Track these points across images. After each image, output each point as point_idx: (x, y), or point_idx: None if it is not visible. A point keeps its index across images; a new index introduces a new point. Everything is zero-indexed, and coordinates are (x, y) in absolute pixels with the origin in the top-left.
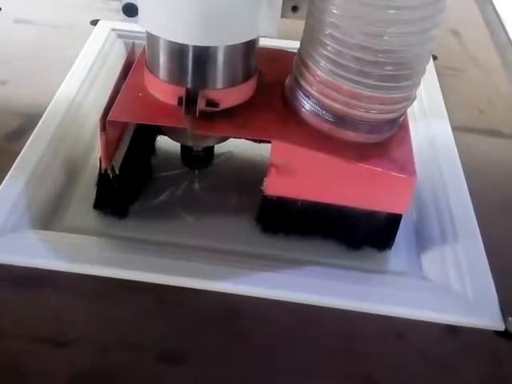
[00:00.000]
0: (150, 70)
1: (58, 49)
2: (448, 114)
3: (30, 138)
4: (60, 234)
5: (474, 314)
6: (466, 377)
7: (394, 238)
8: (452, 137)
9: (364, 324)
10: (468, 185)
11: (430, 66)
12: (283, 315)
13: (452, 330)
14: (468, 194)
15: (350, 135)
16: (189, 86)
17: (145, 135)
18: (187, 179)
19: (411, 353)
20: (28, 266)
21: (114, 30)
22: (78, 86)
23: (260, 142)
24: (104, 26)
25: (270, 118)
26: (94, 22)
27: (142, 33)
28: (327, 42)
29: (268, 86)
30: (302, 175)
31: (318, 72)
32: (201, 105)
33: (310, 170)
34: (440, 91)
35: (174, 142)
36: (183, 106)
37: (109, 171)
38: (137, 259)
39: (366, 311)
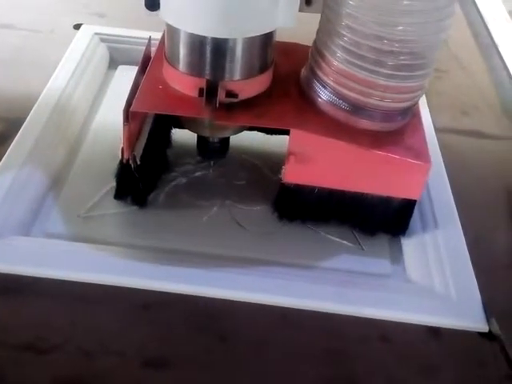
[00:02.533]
0: (170, 62)
1: (41, 53)
2: (431, 115)
3: (12, 143)
4: (42, 240)
5: (458, 315)
6: (449, 378)
7: (408, 224)
8: (435, 138)
9: (347, 326)
10: (451, 186)
11: None
12: (266, 318)
13: (436, 332)
14: (451, 194)
15: (365, 124)
16: (208, 77)
17: (162, 128)
18: (169, 183)
19: (395, 355)
20: (9, 272)
21: (96, 33)
22: (61, 90)
23: (272, 133)
24: (87, 30)
25: (287, 108)
26: (77, 26)
27: (125, 36)
28: (343, 33)
29: (284, 78)
30: (319, 163)
31: (335, 62)
32: (221, 96)
33: (327, 157)
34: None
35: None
36: (204, 97)
37: (130, 161)
38: (119, 264)
39: (350, 314)
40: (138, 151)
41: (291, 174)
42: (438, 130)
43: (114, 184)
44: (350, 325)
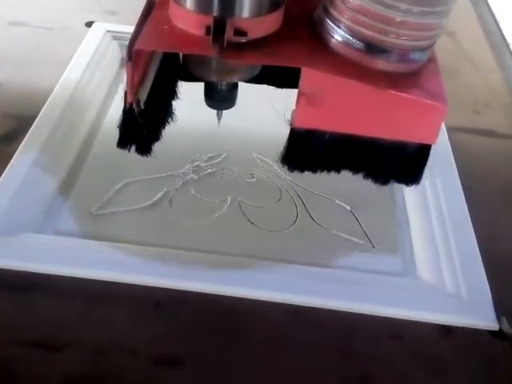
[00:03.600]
0: (176, 1)
1: (53, 50)
2: None
3: (23, 140)
4: (54, 237)
5: (469, 314)
6: (460, 377)
7: (423, 172)
8: (447, 137)
9: (359, 325)
10: (462, 185)
11: None
12: (279, 317)
13: (446, 330)
14: (462, 193)
15: (380, 64)
16: (216, 14)
17: (168, 77)
18: (179, 181)
19: (406, 353)
20: (22, 269)
21: (108, 31)
22: (72, 87)
23: (283, 86)
24: (99, 28)
25: (298, 48)
26: (89, 24)
27: None
28: None
29: (295, 20)
30: (331, 104)
31: None
32: (229, 34)
33: (340, 98)
34: None
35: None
36: (211, 35)
37: (134, 105)
38: (131, 262)
39: (362, 312)
40: (142, 96)
41: (302, 118)
42: (449, 129)
43: (125, 181)
44: (361, 323)
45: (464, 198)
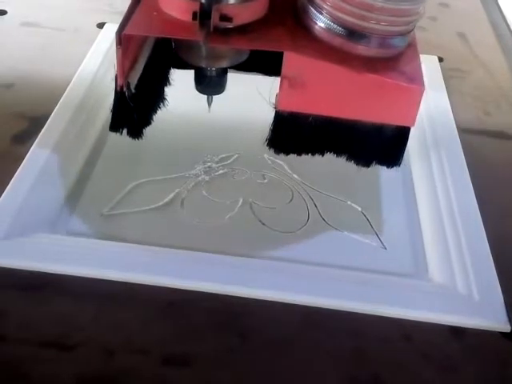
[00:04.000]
0: None
1: (65, 52)
2: (454, 116)
3: (35, 141)
4: (65, 237)
5: (480, 315)
6: (471, 378)
7: (403, 154)
8: (458, 139)
9: (369, 326)
10: (474, 186)
11: (437, 68)
12: (288, 317)
13: (458, 332)
14: (474, 195)
15: (360, 49)
16: (203, 0)
17: (159, 63)
18: (191, 182)
19: (417, 354)
20: (34, 269)
21: None
22: (84, 88)
23: (272, 74)
24: (110, 29)
25: (282, 33)
26: (101, 25)
27: None
28: None
29: (280, 7)
30: (313, 88)
31: None
32: (215, 19)
33: (321, 81)
34: (446, 93)
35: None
36: (197, 21)
37: (124, 89)
38: (142, 262)
39: (372, 313)
40: (133, 80)
41: (285, 101)
42: (460, 131)
43: (137, 182)
44: (372, 324)
45: (475, 200)
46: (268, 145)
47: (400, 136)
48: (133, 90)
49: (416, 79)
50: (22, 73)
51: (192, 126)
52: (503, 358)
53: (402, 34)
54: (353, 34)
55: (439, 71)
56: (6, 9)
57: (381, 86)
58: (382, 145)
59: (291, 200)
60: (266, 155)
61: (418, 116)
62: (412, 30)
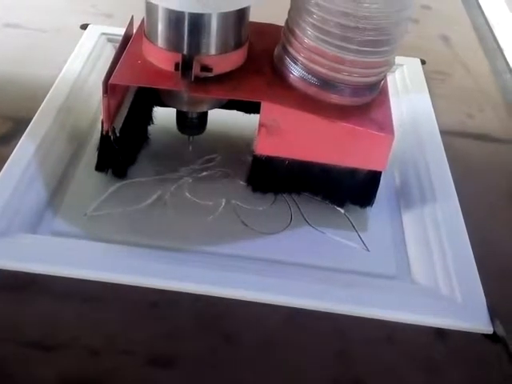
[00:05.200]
0: (149, 38)
1: (48, 53)
2: (437, 118)
3: (18, 143)
4: (49, 238)
5: (463, 317)
6: (454, 380)
7: (375, 195)
8: (441, 141)
9: (353, 327)
10: (457, 189)
11: (419, 71)
12: (272, 318)
13: (440, 334)
14: (456, 197)
15: (334, 98)
16: (185, 52)
17: (143, 104)
18: (174, 183)
19: (400, 356)
20: (18, 269)
21: (103, 34)
22: (67, 89)
23: (250, 111)
24: (94, 30)
25: (259, 83)
26: (84, 26)
27: None
28: (312, 10)
29: (258, 56)
30: (288, 135)
31: (305, 39)
32: (196, 70)
33: (297, 129)
34: (429, 95)
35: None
36: (179, 71)
37: (110, 133)
38: (126, 263)
39: (355, 314)
40: (118, 124)
41: (262, 146)
42: (443, 133)
43: (120, 183)
44: (355, 326)
45: (458, 202)
46: (247, 183)
47: (372, 179)
48: (117, 134)
49: (386, 127)
50: (5, 74)
51: (175, 128)
52: (486, 360)
53: (374, 84)
54: (326, 84)
55: (422, 74)
56: None
57: (353, 134)
58: (355, 187)
59: (274, 201)
60: (249, 156)
61: (398, 120)
62: (383, 79)
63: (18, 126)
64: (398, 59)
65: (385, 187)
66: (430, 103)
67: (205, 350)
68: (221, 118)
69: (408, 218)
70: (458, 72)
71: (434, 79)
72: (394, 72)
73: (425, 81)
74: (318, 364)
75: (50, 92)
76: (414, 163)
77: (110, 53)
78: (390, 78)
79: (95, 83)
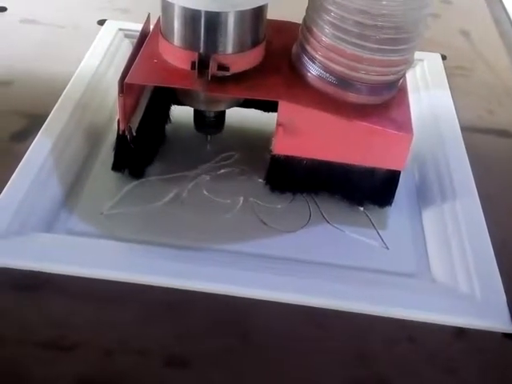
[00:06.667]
0: (165, 37)
1: (65, 49)
2: (457, 114)
3: (35, 139)
4: (64, 237)
5: (483, 316)
6: (474, 378)
7: (394, 195)
8: (461, 137)
9: (373, 327)
10: (477, 185)
11: (440, 66)
12: (290, 318)
13: (460, 332)
14: (477, 194)
15: (351, 97)
16: (201, 51)
17: (160, 103)
18: (191, 181)
19: (420, 356)
20: (32, 269)
21: (120, 29)
22: (84, 85)
23: (268, 110)
24: (111, 26)
25: (277, 82)
26: (101, 22)
27: None
28: (330, 8)
29: (276, 54)
30: (306, 134)
31: (323, 37)
32: (212, 69)
33: (314, 129)
34: (449, 91)
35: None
36: (196, 70)
37: (126, 133)
38: (142, 262)
39: (375, 314)
40: (134, 123)
41: (280, 146)
42: (464, 130)
43: (137, 181)
44: (375, 324)
45: (478, 199)
46: (266, 183)
47: (390, 179)
48: (134, 134)
49: (405, 126)
50: (21, 70)
51: (192, 126)
52: (506, 359)
53: (392, 83)
54: (344, 82)
55: (442, 69)
56: (5, 5)
57: (371, 133)
58: (374, 186)
59: (293, 199)
60: (267, 154)
61: (418, 116)
62: (402, 77)
63: (34, 122)
64: (419, 54)
65: (404, 184)
66: (451, 99)
67: (221, 351)
68: (239, 116)
69: (428, 216)
70: (478, 67)
71: (455, 74)
72: (414, 67)
73: (445, 76)
74: (338, 364)
75: (67, 88)
76: (434, 160)
77: (127, 49)
78: (410, 73)
79: (112, 79)
